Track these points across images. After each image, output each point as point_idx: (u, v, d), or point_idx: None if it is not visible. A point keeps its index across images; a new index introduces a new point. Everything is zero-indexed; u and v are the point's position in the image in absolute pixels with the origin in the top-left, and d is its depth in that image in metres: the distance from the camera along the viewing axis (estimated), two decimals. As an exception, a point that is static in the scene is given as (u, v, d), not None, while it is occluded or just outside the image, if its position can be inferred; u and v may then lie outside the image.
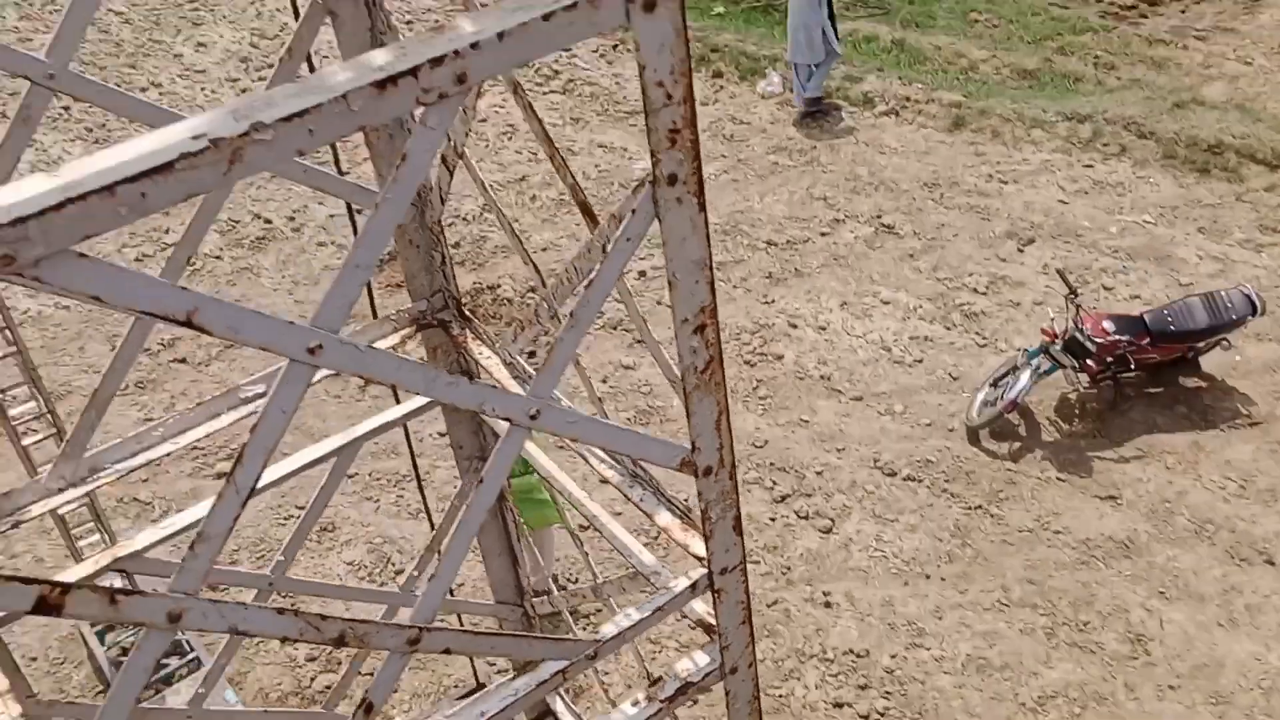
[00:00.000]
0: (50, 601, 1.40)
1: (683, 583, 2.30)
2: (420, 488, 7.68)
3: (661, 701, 2.09)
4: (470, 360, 3.48)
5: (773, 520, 9.89)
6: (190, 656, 7.97)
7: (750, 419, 10.93)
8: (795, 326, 12.05)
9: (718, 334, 2.03)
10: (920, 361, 11.50)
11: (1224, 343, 10.47)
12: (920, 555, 9.50)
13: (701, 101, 14.42)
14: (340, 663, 8.83)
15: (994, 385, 10.47)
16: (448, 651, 1.61)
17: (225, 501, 1.54)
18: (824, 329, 12.01)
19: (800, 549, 9.63)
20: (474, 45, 1.61)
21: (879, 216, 13.31)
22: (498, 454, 2.09)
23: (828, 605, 9.15)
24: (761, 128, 15.00)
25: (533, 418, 2.00)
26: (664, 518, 2.71)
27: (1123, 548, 9.38)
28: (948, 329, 11.88)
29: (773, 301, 12.43)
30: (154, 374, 11.43)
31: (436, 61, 1.60)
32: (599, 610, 8.97)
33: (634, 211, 2.00)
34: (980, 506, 9.87)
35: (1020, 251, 12.65)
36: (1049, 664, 8.59)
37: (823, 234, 13.15)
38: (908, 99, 15.20)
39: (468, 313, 3.76)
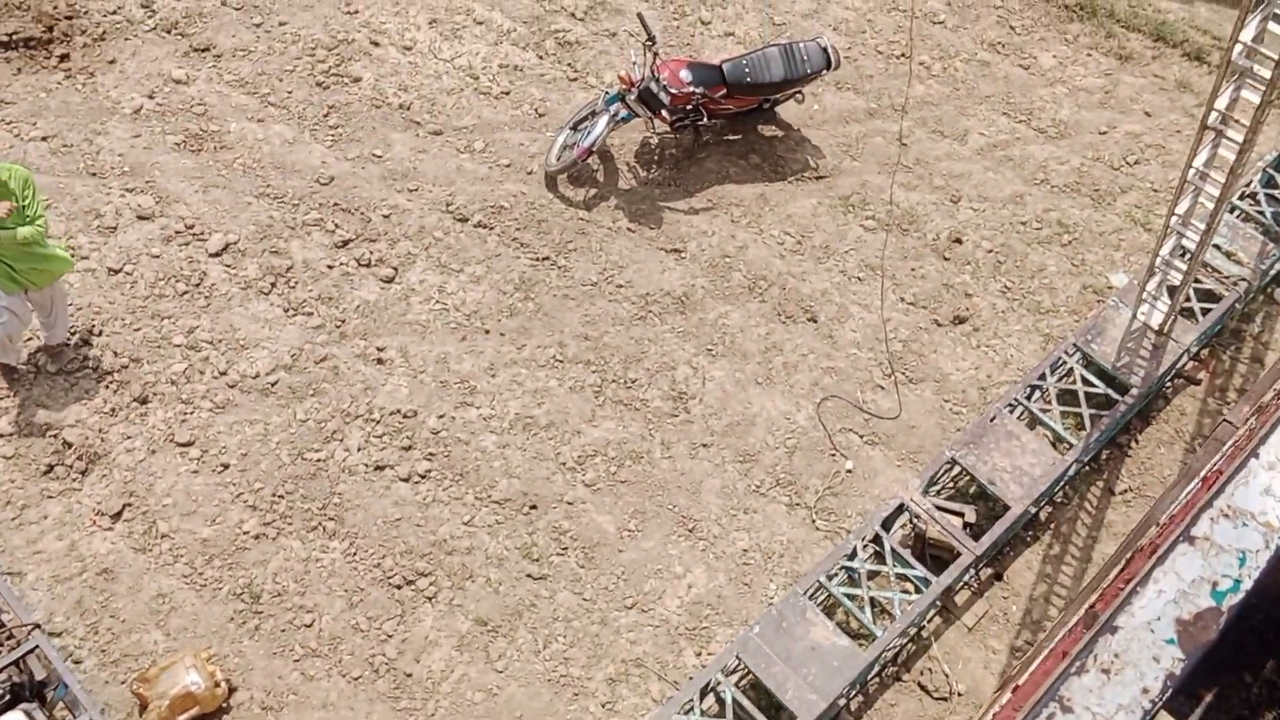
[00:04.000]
0: None
1: None
2: None
3: None
4: None
5: (331, 268, 9.29)
6: None
7: (317, 151, 10.04)
8: (377, 44, 11.02)
9: None
10: (507, 94, 10.86)
11: (798, 96, 10.48)
12: (482, 309, 9.24)
13: None
14: None
15: (574, 129, 10.06)
16: None
17: None
18: (409, 49, 11.06)
19: (358, 300, 9.14)
20: None
21: (479, -79, 12.16)
22: None
23: (380, 362, 8.81)
24: None
25: None
26: None
27: (679, 303, 9.50)
28: (540, 58, 11.23)
29: (356, 12, 11.27)
30: None
31: None
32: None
33: None
34: (548, 258, 9.65)
35: (623, -25, 12.00)
36: (593, 422, 8.72)
37: (416, -63, 11.90)
38: None
39: None
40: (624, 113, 9.87)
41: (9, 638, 5.59)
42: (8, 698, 5.44)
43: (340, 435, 8.35)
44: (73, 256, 8.30)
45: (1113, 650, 2.45)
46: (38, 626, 5.60)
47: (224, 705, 6.99)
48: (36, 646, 5.52)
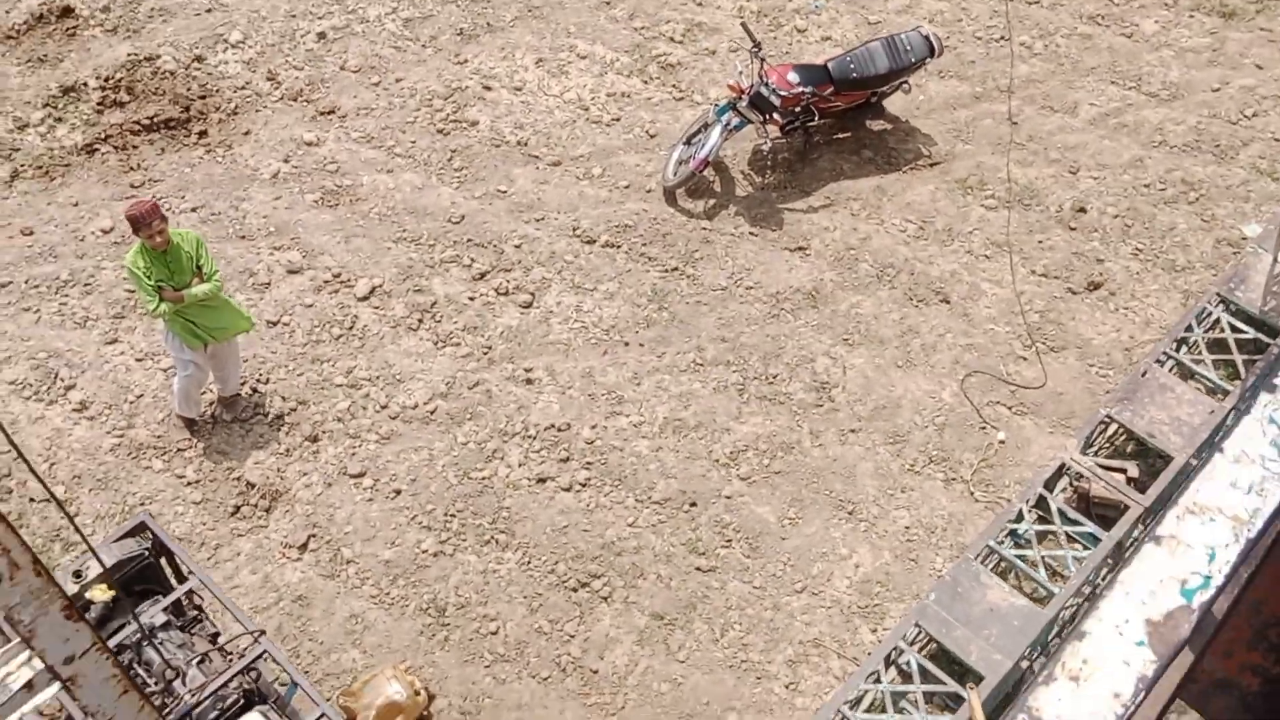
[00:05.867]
0: None
1: (19, 677, 2.00)
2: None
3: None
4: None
5: (472, 299, 9.67)
6: None
7: (445, 193, 10.48)
8: (490, 89, 11.48)
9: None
10: (618, 120, 11.21)
11: (905, 86, 10.63)
12: (619, 323, 9.52)
13: None
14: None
15: (688, 143, 10.35)
16: None
17: None
18: (520, 89, 11.49)
19: (500, 327, 9.49)
20: None
21: (572, -38, 12.61)
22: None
23: (529, 382, 9.12)
24: None
25: None
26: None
27: (810, 298, 9.67)
28: (645, 83, 11.58)
29: (465, 61, 11.76)
30: None
31: None
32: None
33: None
34: (677, 268, 9.91)
35: (716, -5, 12.31)
36: (740, 419, 8.90)
37: (514, -16, 12.40)
38: None
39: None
40: (736, 121, 10.13)
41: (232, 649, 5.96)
42: (242, 702, 5.78)
43: (500, 453, 8.66)
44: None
45: (1080, 656, 2.44)
46: (263, 633, 5.95)
47: (426, 713, 7.28)
48: (265, 652, 5.87)
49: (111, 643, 5.69)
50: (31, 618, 1.83)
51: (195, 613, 6.25)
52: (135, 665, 5.70)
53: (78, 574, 5.75)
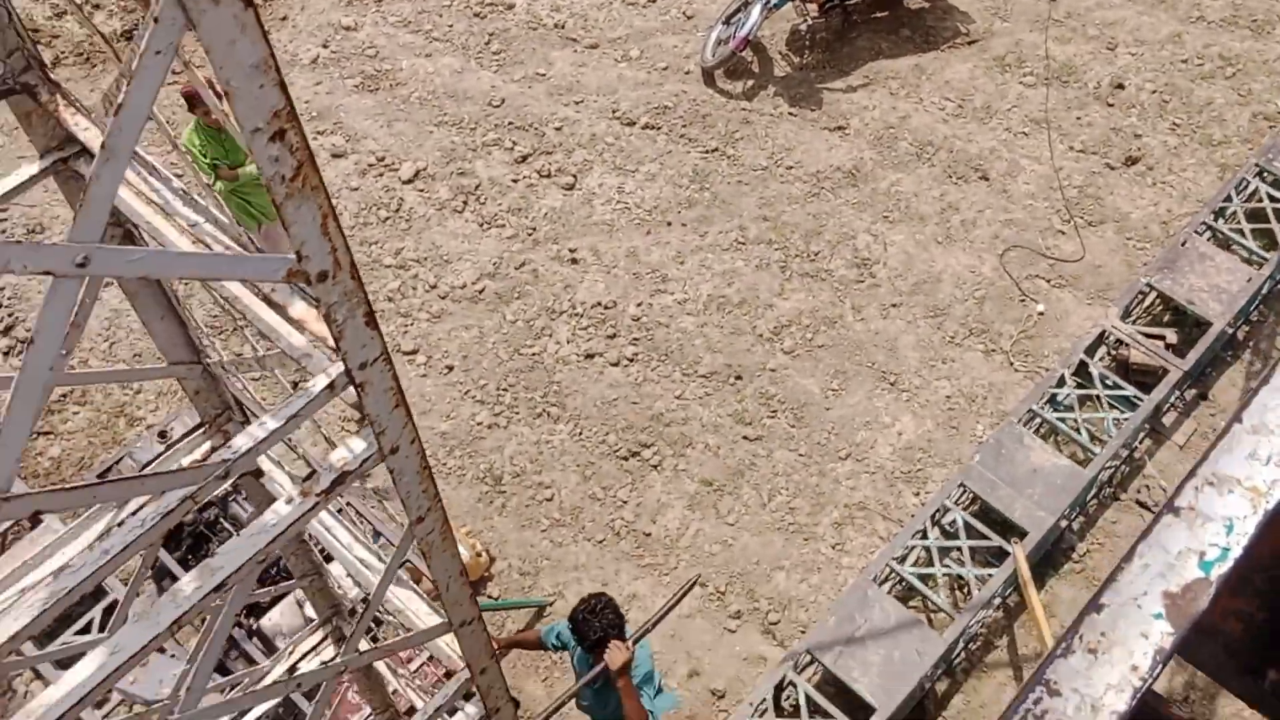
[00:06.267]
0: None
1: (320, 381, 2.22)
2: None
3: (317, 495, 2.07)
4: (66, 129, 2.99)
5: (515, 182, 9.78)
6: None
7: (485, 77, 10.53)
8: (524, -29, 11.45)
9: (302, 134, 1.81)
10: (654, 1, 11.19)
11: (944, -38, 10.56)
12: (661, 203, 9.64)
13: None
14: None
15: (726, 23, 10.34)
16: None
17: None
18: (554, -28, 11.45)
19: (544, 208, 9.62)
20: None
21: None
22: (47, 309, 1.81)
23: (574, 261, 9.28)
24: None
25: (81, 265, 1.75)
26: (298, 308, 2.57)
27: (850, 177, 9.76)
28: (680, -37, 11.52)
29: (498, -55, 11.70)
30: None
31: None
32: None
33: (156, 20, 1.62)
34: (717, 149, 9.99)
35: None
36: (783, 295, 9.06)
37: None
38: None
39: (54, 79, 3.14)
40: (775, -1, 10.12)
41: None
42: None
43: (549, 330, 8.86)
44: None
45: (1099, 629, 2.50)
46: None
47: (487, 574, 7.59)
48: (348, 504, 6.16)
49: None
50: (343, 319, 2.03)
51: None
52: (222, 520, 5.98)
53: (163, 434, 6.00)
